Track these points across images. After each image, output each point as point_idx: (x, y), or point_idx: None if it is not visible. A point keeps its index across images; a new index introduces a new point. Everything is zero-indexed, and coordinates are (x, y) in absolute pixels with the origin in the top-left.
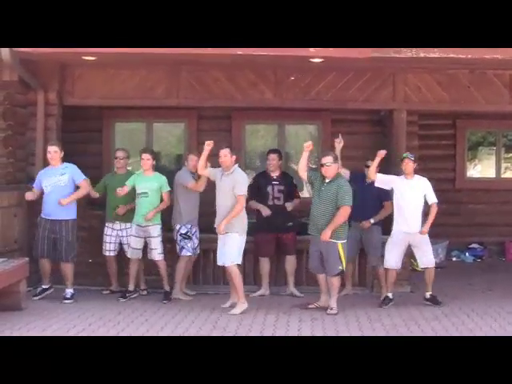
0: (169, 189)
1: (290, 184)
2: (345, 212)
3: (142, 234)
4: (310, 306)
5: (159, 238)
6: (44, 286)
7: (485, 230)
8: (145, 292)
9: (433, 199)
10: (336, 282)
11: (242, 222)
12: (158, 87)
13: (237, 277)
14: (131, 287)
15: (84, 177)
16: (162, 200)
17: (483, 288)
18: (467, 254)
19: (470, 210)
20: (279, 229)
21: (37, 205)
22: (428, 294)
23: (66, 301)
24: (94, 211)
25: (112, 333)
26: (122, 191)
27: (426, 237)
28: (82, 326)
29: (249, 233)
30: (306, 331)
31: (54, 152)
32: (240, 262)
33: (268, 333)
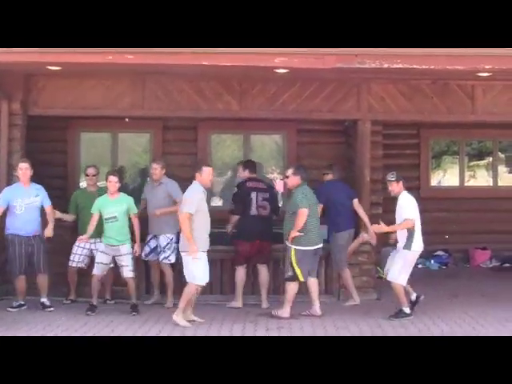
0: (136, 211)
1: None
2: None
3: (111, 252)
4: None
5: (130, 256)
6: (21, 302)
7: (449, 238)
8: (112, 302)
9: None
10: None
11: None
12: (123, 97)
13: None
14: (95, 301)
15: (50, 202)
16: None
17: (448, 295)
18: (432, 261)
19: (435, 218)
20: None
21: None
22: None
23: (48, 309)
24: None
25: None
26: (88, 235)
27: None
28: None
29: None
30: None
31: (26, 169)
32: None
33: None
